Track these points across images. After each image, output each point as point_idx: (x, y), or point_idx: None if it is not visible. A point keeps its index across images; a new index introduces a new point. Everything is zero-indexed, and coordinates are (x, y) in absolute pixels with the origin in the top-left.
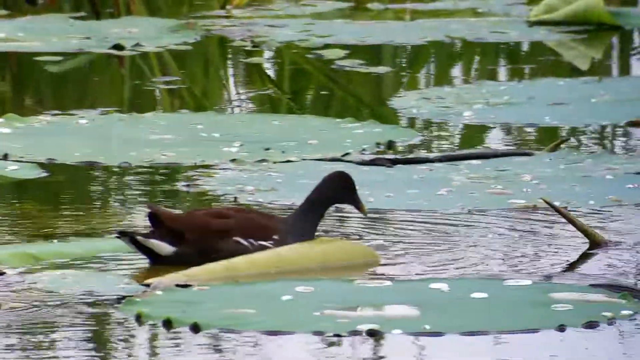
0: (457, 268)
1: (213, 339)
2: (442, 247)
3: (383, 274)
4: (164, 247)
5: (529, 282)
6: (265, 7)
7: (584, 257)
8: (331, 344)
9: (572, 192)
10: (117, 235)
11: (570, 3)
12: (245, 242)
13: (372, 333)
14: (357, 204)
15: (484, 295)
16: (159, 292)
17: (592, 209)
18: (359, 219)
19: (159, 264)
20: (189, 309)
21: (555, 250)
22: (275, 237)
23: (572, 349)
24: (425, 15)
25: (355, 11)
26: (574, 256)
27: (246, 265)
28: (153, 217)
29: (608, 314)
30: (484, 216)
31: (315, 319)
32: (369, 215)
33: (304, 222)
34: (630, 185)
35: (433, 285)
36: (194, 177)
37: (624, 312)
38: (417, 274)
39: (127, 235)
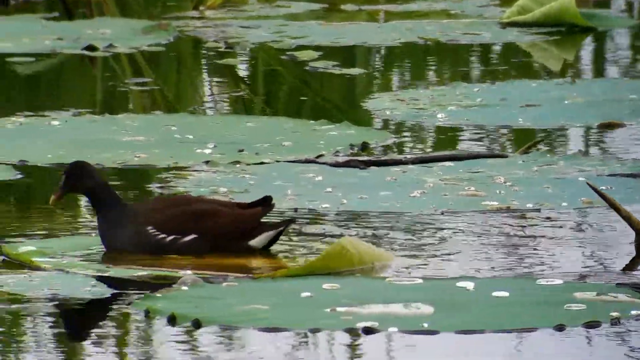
0: (492, 268)
1: (210, 334)
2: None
3: (415, 273)
4: None
5: (560, 281)
6: (238, 8)
7: (628, 253)
8: (325, 341)
9: (545, 193)
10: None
11: (543, 5)
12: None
13: (368, 331)
14: None
15: (505, 294)
16: (184, 288)
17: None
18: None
19: None
20: (203, 305)
21: (601, 247)
22: None
23: (560, 348)
24: (399, 16)
25: (328, 12)
26: (616, 253)
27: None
28: None
29: (615, 314)
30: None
31: (318, 316)
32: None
33: None
34: (603, 187)
35: (460, 284)
36: (167, 179)
37: (633, 312)
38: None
39: None
